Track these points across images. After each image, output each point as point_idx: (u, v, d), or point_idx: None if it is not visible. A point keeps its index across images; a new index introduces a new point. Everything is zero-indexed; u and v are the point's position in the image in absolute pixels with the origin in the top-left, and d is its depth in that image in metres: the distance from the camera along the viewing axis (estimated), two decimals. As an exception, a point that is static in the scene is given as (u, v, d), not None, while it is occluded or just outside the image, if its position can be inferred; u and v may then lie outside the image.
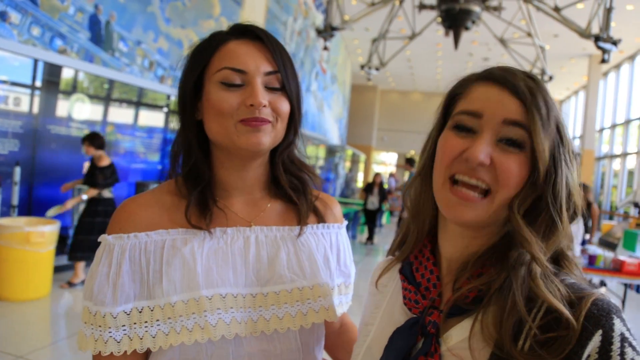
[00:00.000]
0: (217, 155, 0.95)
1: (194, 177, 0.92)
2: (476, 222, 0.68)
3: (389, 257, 0.88)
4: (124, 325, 0.84)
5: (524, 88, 0.68)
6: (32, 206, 5.18)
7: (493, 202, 0.67)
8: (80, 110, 5.72)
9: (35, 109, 5.17)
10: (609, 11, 6.92)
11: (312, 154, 15.02)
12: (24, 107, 5.06)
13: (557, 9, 7.57)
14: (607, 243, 7.81)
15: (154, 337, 0.85)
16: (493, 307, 0.65)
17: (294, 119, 0.95)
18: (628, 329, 0.61)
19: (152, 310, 0.85)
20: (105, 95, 6.17)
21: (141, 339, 0.84)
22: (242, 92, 0.87)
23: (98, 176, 5.02)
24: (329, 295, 0.98)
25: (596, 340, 0.58)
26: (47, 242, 4.47)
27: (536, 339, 0.61)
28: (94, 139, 5.06)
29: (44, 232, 4.41)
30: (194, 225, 0.88)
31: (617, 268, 4.48)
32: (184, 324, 0.85)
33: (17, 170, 4.88)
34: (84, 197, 5.06)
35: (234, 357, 0.88)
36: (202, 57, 0.90)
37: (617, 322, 0.60)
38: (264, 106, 0.87)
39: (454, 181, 0.69)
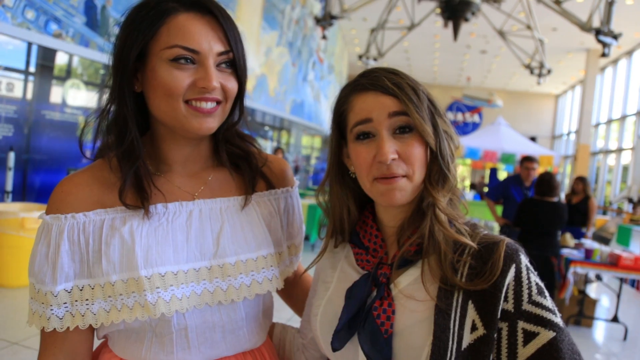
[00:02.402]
0: (159, 130, 0.93)
1: (129, 154, 0.88)
2: (406, 201, 0.86)
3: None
4: (65, 303, 0.85)
5: (390, 85, 0.84)
6: (26, 192, 5.13)
7: (413, 181, 0.85)
8: (75, 96, 5.65)
9: (30, 94, 5.11)
10: (610, 4, 6.90)
11: (308, 144, 14.99)
12: (18, 92, 4.99)
13: (557, 2, 7.54)
14: (601, 238, 7.87)
15: (95, 314, 0.86)
16: (433, 255, 0.84)
17: (241, 97, 0.95)
18: (527, 260, 0.84)
19: (92, 289, 0.86)
20: (101, 81, 6.09)
21: (83, 315, 0.86)
22: (193, 71, 0.85)
23: None
24: (274, 265, 0.99)
25: (512, 272, 0.81)
26: (42, 229, 4.42)
27: (469, 270, 0.81)
28: None
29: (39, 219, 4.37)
30: (131, 207, 0.87)
31: (614, 262, 4.48)
32: (124, 302, 0.85)
33: (11, 156, 4.83)
34: None
35: (177, 329, 0.89)
36: (148, 26, 0.84)
37: (522, 257, 0.83)
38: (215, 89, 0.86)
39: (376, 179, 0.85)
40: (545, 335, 0.77)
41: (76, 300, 0.85)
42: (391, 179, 0.83)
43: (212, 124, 0.88)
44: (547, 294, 0.82)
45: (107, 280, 0.85)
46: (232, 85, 0.90)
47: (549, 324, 0.78)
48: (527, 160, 5.63)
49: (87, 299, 0.85)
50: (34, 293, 0.87)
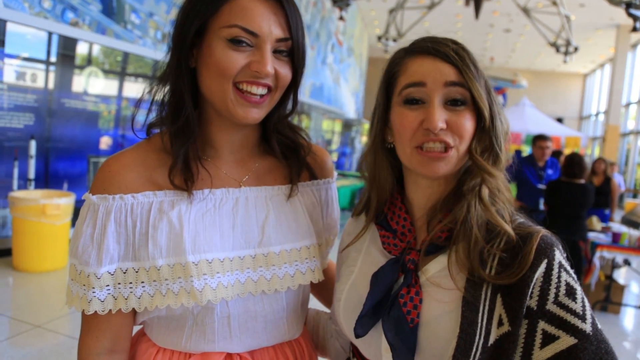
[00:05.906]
0: (207, 110, 0.91)
1: (183, 131, 0.87)
2: (449, 173, 0.81)
3: (354, 217, 1.02)
4: (107, 286, 0.84)
5: (453, 53, 0.79)
6: (49, 179, 5.21)
7: (458, 153, 0.80)
8: (94, 84, 5.69)
9: (50, 83, 5.15)
10: (641, -24, 6.58)
11: (328, 127, 14.90)
12: (39, 81, 5.03)
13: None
14: (630, 222, 7.62)
15: (139, 298, 0.85)
16: (462, 242, 0.79)
17: (295, 87, 0.92)
18: (564, 258, 0.77)
19: (136, 272, 0.84)
20: (120, 69, 6.12)
21: (126, 299, 0.85)
22: (249, 54, 0.83)
23: None
24: (316, 257, 0.99)
25: (542, 267, 0.74)
26: (63, 215, 4.50)
27: (499, 262, 0.76)
28: None
29: (59, 205, 4.44)
30: (178, 187, 0.85)
31: (643, 246, 4.32)
32: (169, 287, 0.84)
33: (33, 144, 4.90)
34: None
35: (220, 317, 0.88)
36: (212, 2, 0.83)
37: (557, 253, 0.76)
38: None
39: (420, 147, 0.80)
40: (566, 341, 0.72)
41: (119, 283, 0.84)
42: (439, 155, 0.79)
43: (258, 114, 0.87)
44: (579, 296, 0.74)
45: (152, 265, 0.84)
46: (286, 72, 0.87)
47: (572, 329, 0.72)
48: (541, 139, 5.30)
49: (130, 282, 0.84)
50: (75, 274, 0.85)
